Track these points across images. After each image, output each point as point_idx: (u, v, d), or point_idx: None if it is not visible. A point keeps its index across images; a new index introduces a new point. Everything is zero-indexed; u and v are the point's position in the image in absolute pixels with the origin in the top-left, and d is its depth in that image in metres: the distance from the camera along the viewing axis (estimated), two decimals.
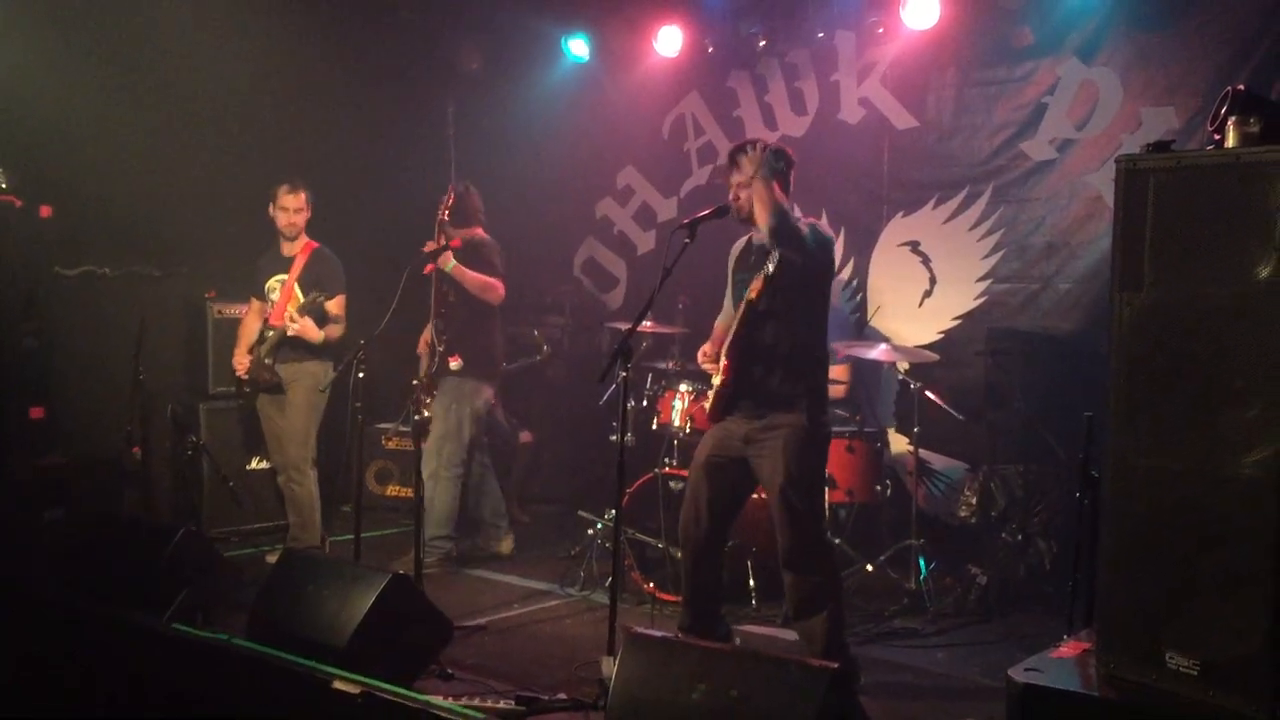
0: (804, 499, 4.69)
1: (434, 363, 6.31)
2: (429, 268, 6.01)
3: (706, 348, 4.94)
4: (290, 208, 6.55)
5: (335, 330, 6.51)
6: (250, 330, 6.71)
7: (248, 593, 4.98)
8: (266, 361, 6.49)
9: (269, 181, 6.70)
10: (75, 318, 6.90)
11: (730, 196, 4.80)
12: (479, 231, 6.72)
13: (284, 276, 6.60)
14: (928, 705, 4.73)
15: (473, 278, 6.46)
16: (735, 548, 5.83)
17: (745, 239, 5.00)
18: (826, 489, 6.01)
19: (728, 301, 5.14)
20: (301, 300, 6.46)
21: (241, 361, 6.59)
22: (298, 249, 6.64)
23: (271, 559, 6.04)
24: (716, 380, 4.82)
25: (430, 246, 6.30)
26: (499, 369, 6.97)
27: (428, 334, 6.53)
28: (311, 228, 6.68)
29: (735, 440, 4.79)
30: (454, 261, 6.38)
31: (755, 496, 5.17)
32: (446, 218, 6.38)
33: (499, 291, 6.57)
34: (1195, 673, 2.98)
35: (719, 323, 5.17)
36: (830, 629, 4.69)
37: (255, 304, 6.75)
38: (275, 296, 6.61)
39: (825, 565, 4.81)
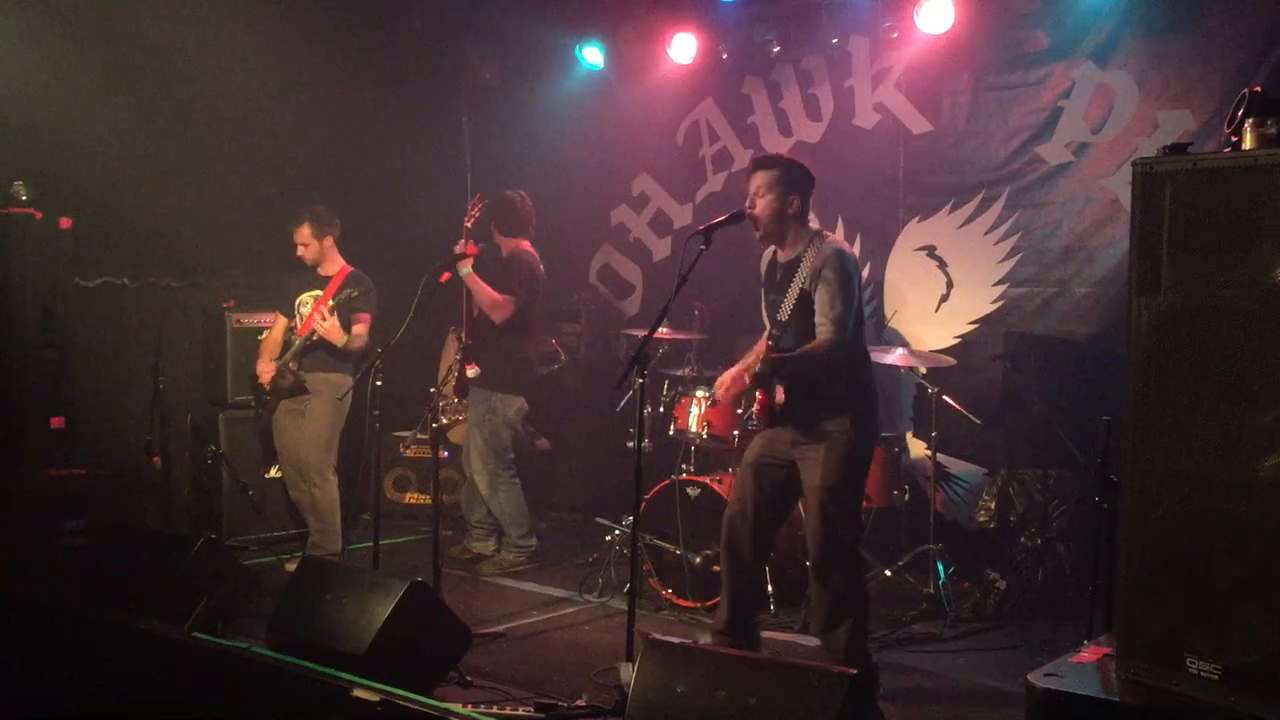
0: (840, 507, 4.67)
1: (461, 371, 6.39)
2: (445, 275, 6.03)
3: (727, 378, 4.80)
4: (298, 243, 6.63)
5: (357, 342, 6.53)
6: (274, 344, 6.76)
7: (267, 601, 5.00)
8: (291, 366, 6.53)
9: (286, 192, 6.77)
10: (95, 328, 6.95)
11: (747, 204, 4.80)
12: (523, 245, 6.76)
13: (317, 292, 6.65)
14: (946, 710, 4.72)
15: (481, 290, 6.51)
16: None
17: (771, 253, 4.96)
18: None
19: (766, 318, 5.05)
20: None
21: (266, 369, 6.61)
22: (333, 270, 6.68)
23: (291, 567, 6.07)
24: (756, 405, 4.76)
25: (460, 247, 6.40)
26: (532, 378, 7.00)
27: (454, 341, 6.59)
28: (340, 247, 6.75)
29: (783, 444, 4.78)
30: (469, 269, 6.42)
31: None
32: (469, 224, 6.46)
33: (504, 311, 6.55)
34: (1217, 677, 2.96)
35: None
36: (853, 639, 4.69)
37: (281, 320, 6.78)
38: (305, 310, 6.65)
39: (855, 576, 4.78)
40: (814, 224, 4.87)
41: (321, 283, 6.68)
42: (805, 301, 4.66)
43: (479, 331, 6.64)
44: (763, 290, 5.02)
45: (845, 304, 4.60)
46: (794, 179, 4.77)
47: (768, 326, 4.92)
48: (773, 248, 4.92)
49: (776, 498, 4.88)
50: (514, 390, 6.75)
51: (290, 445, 6.67)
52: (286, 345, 6.65)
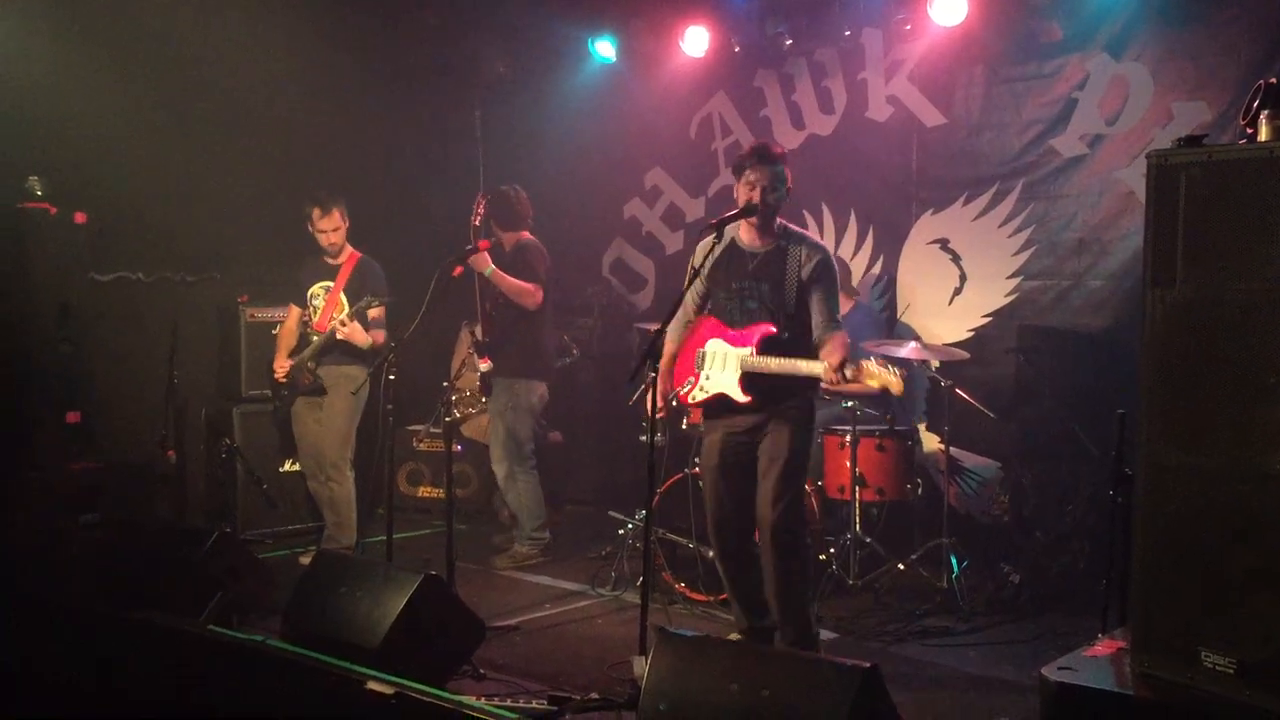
0: (798, 474, 4.92)
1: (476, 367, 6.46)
2: (458, 270, 6.04)
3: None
4: (327, 229, 6.61)
5: (380, 335, 6.56)
6: (289, 336, 6.78)
7: (282, 594, 5.02)
8: (310, 365, 6.56)
9: (300, 186, 6.75)
10: (109, 323, 6.97)
11: (758, 195, 4.81)
12: (525, 235, 6.80)
13: (329, 284, 6.67)
14: (960, 704, 4.71)
15: (509, 283, 6.56)
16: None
17: (727, 243, 4.96)
18: (858, 488, 6.05)
19: (690, 307, 5.13)
20: (347, 307, 6.51)
21: (282, 365, 6.64)
22: (343, 259, 6.71)
23: (305, 560, 6.09)
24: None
25: (485, 245, 6.44)
26: (551, 366, 7.08)
27: (467, 336, 6.63)
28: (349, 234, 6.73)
29: (741, 435, 4.96)
30: (492, 266, 6.48)
31: None
32: (477, 222, 6.51)
33: (535, 298, 6.64)
34: (1231, 671, 2.96)
35: (674, 333, 5.11)
36: (808, 614, 4.96)
37: (295, 310, 6.80)
38: (319, 303, 6.67)
39: (806, 545, 5.06)
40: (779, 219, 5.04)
41: (330, 272, 6.69)
42: (803, 294, 4.87)
43: (496, 324, 6.67)
44: (706, 278, 5.01)
45: (837, 301, 4.96)
46: (787, 173, 4.95)
47: (690, 315, 5.07)
48: (729, 237, 4.97)
49: (748, 485, 5.00)
50: (535, 376, 6.82)
51: (309, 437, 6.72)
52: (303, 339, 6.67)
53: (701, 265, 4.90)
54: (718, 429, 5.04)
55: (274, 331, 7.05)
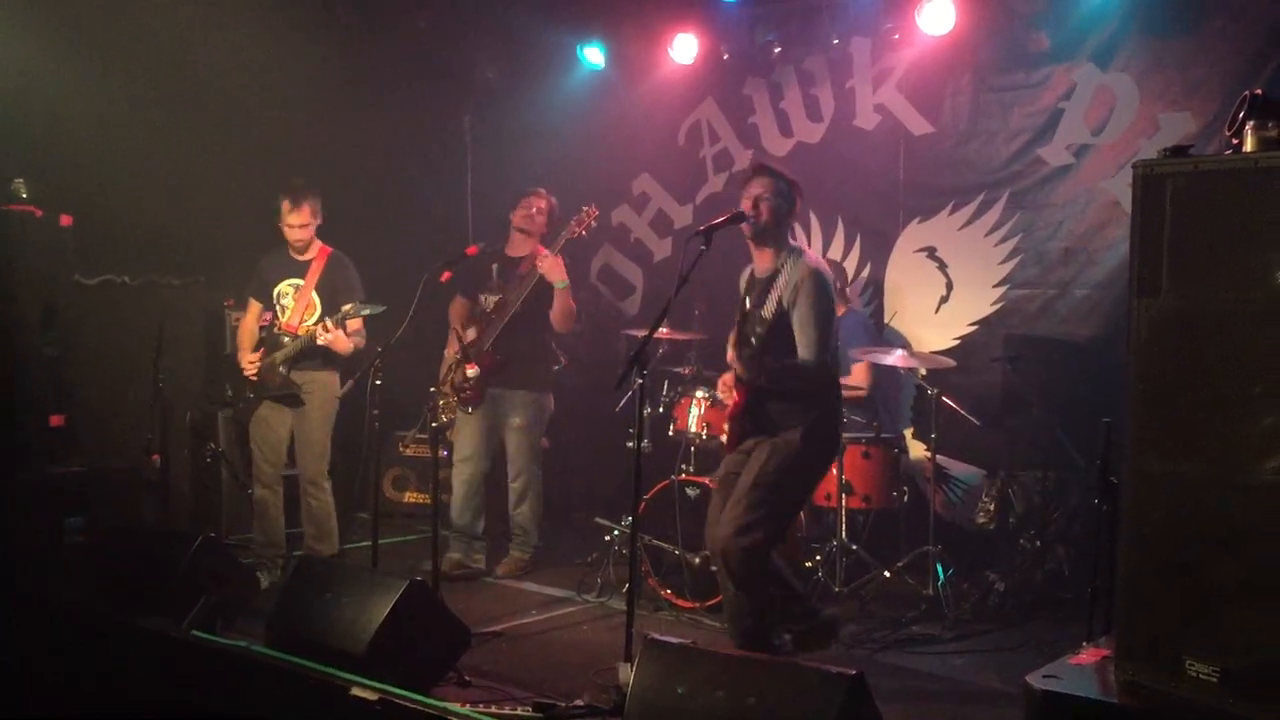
0: (762, 501, 4.68)
1: (462, 373, 6.43)
2: (446, 275, 5.98)
3: (728, 378, 5.05)
4: (295, 224, 6.35)
5: (360, 341, 6.39)
6: (250, 332, 6.56)
7: (266, 600, 5.00)
8: (282, 370, 6.35)
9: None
10: (95, 326, 6.93)
11: (749, 206, 4.84)
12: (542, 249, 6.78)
13: (297, 281, 6.46)
14: (945, 712, 4.72)
15: (568, 304, 6.53)
16: None
17: (749, 270, 5.08)
18: (844, 495, 6.04)
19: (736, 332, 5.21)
20: (320, 308, 6.39)
21: (252, 363, 6.42)
22: (312, 254, 6.48)
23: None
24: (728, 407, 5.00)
25: (546, 264, 6.39)
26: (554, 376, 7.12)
27: (454, 340, 6.60)
28: (329, 235, 6.61)
29: (745, 454, 4.91)
30: (566, 280, 6.44)
31: None
32: (539, 217, 6.63)
33: (577, 320, 6.75)
34: (1215, 680, 2.97)
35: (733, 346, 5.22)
36: (752, 636, 4.72)
37: (255, 306, 6.58)
38: (288, 303, 6.45)
39: (757, 578, 4.71)
40: (792, 240, 5.01)
41: (299, 269, 6.47)
42: (782, 317, 4.78)
43: (513, 336, 6.58)
44: (739, 306, 5.13)
45: (820, 328, 4.74)
46: (792, 192, 4.92)
47: (736, 340, 5.06)
48: (750, 266, 5.04)
49: None
50: (550, 388, 6.86)
51: (270, 441, 6.49)
52: (271, 339, 6.47)
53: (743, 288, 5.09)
54: (733, 450, 5.03)
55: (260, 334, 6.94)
